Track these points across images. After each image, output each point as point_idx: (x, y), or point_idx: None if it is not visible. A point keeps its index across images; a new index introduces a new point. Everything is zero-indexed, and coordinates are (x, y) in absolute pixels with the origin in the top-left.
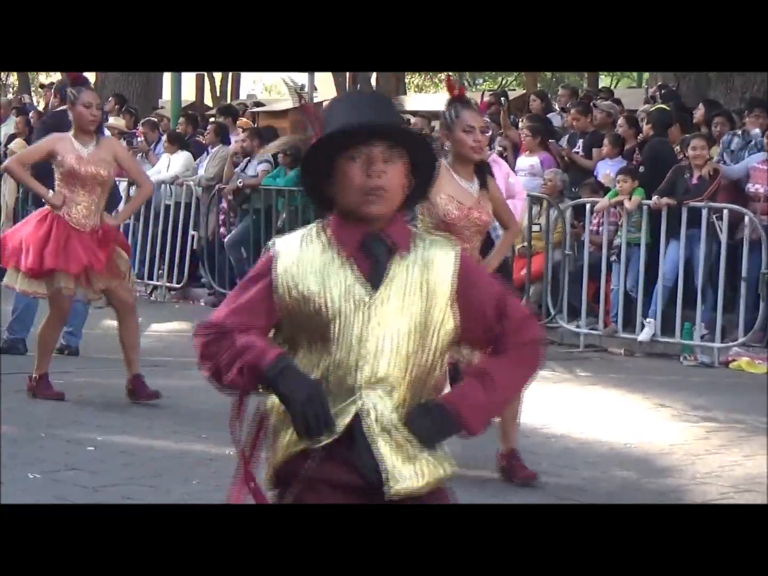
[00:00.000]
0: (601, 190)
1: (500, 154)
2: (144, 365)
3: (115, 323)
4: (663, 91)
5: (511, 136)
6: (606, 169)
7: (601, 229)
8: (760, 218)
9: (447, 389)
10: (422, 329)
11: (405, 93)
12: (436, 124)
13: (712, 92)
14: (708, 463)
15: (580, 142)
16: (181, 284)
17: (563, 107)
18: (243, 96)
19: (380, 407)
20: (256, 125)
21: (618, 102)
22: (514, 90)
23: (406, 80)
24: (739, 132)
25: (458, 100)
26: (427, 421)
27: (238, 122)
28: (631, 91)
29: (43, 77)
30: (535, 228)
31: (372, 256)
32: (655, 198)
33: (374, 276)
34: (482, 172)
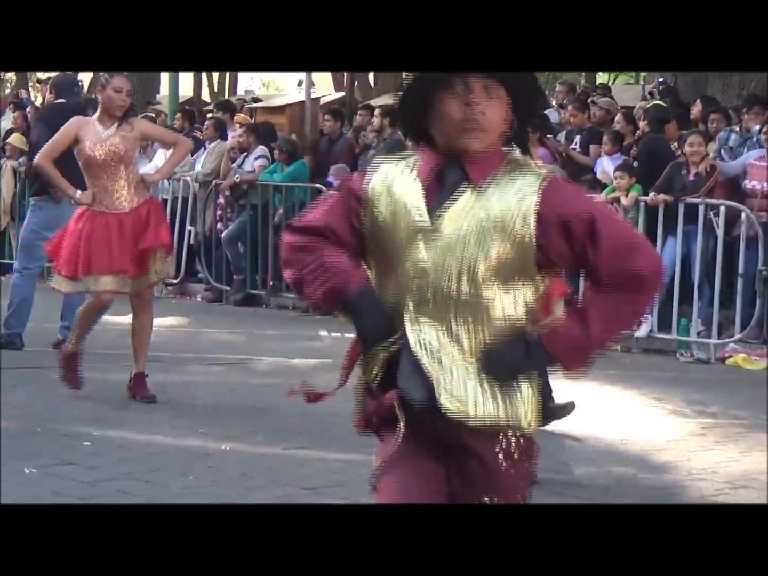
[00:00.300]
0: (599, 186)
1: None
2: None
3: (111, 318)
4: (661, 88)
5: None
6: (606, 166)
7: None
8: (757, 215)
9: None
10: (489, 253)
11: (402, 89)
12: None
13: (709, 89)
14: (704, 459)
15: (578, 138)
16: (178, 279)
17: (561, 103)
18: (241, 91)
19: (438, 334)
20: (253, 121)
21: (612, 98)
22: None
23: (404, 76)
24: (737, 128)
25: None
26: (516, 351)
27: (235, 118)
28: (629, 87)
29: (41, 73)
30: None
31: (446, 182)
32: (651, 194)
33: (442, 203)
34: None
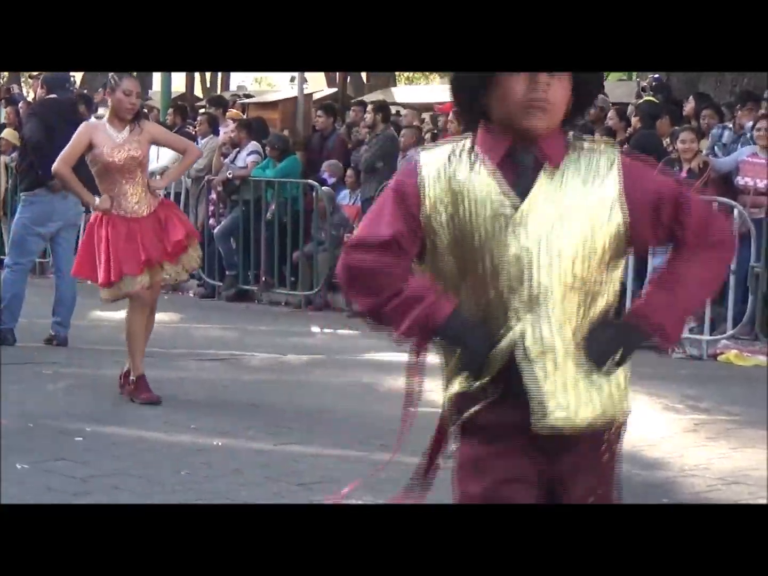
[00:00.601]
0: None
1: None
2: None
3: (103, 314)
4: (654, 84)
5: None
6: None
7: None
8: (749, 211)
9: None
10: (583, 239)
11: (395, 85)
12: (426, 116)
13: (702, 85)
14: (697, 456)
15: None
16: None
17: None
18: (233, 87)
19: (539, 329)
20: (246, 116)
21: (605, 95)
22: None
23: (396, 72)
24: (730, 125)
25: None
26: (607, 334)
27: (227, 113)
28: (622, 83)
29: None
30: None
31: (519, 165)
32: None
33: (520, 188)
34: None
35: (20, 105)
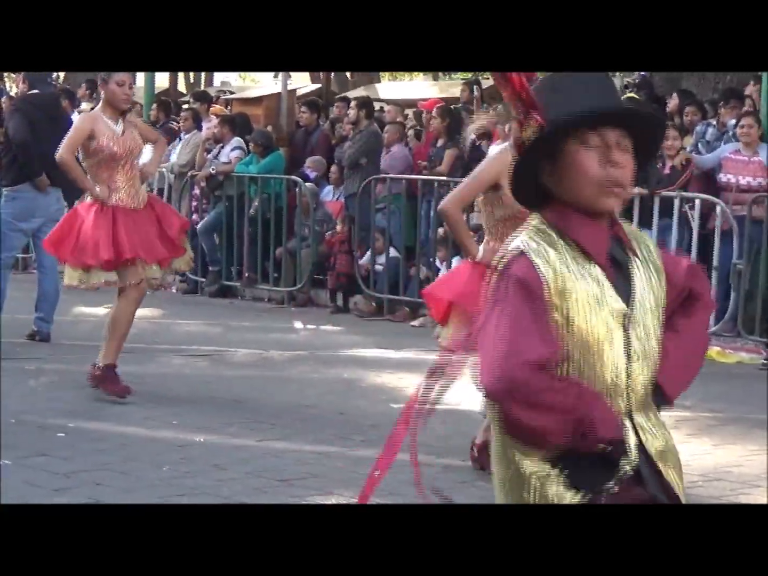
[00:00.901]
0: None
1: (473, 143)
2: None
3: (86, 309)
4: (637, 81)
5: None
6: None
7: None
8: (731, 208)
9: None
10: (658, 325)
11: (379, 81)
12: (409, 112)
13: (684, 82)
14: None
15: None
16: None
17: None
18: (217, 83)
19: (648, 427)
20: (230, 112)
21: None
22: (488, 79)
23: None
24: (714, 122)
25: None
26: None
27: (211, 109)
28: None
29: None
30: None
31: (618, 262)
32: None
33: (623, 285)
34: None
35: (3, 99)
